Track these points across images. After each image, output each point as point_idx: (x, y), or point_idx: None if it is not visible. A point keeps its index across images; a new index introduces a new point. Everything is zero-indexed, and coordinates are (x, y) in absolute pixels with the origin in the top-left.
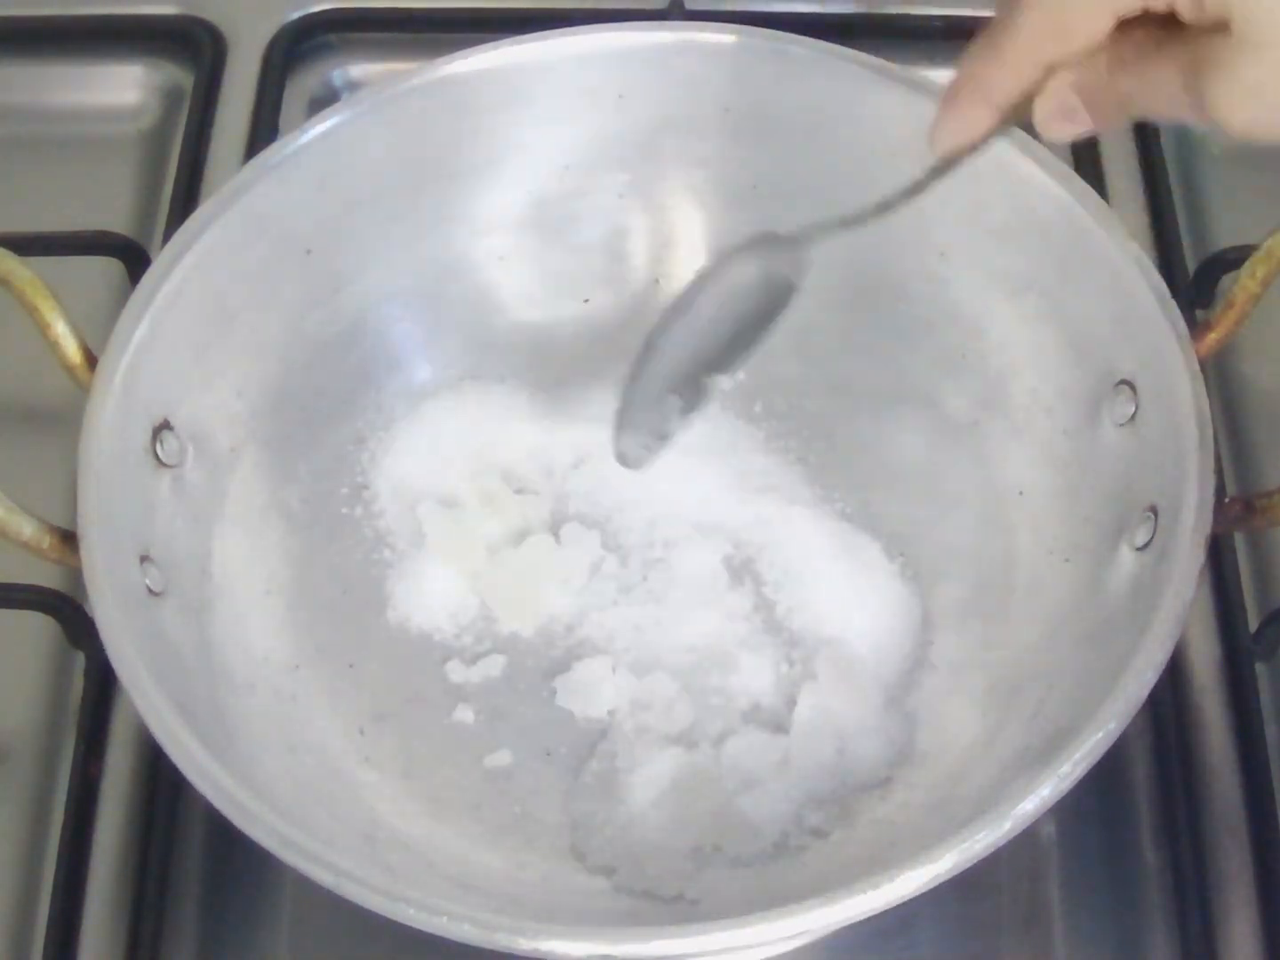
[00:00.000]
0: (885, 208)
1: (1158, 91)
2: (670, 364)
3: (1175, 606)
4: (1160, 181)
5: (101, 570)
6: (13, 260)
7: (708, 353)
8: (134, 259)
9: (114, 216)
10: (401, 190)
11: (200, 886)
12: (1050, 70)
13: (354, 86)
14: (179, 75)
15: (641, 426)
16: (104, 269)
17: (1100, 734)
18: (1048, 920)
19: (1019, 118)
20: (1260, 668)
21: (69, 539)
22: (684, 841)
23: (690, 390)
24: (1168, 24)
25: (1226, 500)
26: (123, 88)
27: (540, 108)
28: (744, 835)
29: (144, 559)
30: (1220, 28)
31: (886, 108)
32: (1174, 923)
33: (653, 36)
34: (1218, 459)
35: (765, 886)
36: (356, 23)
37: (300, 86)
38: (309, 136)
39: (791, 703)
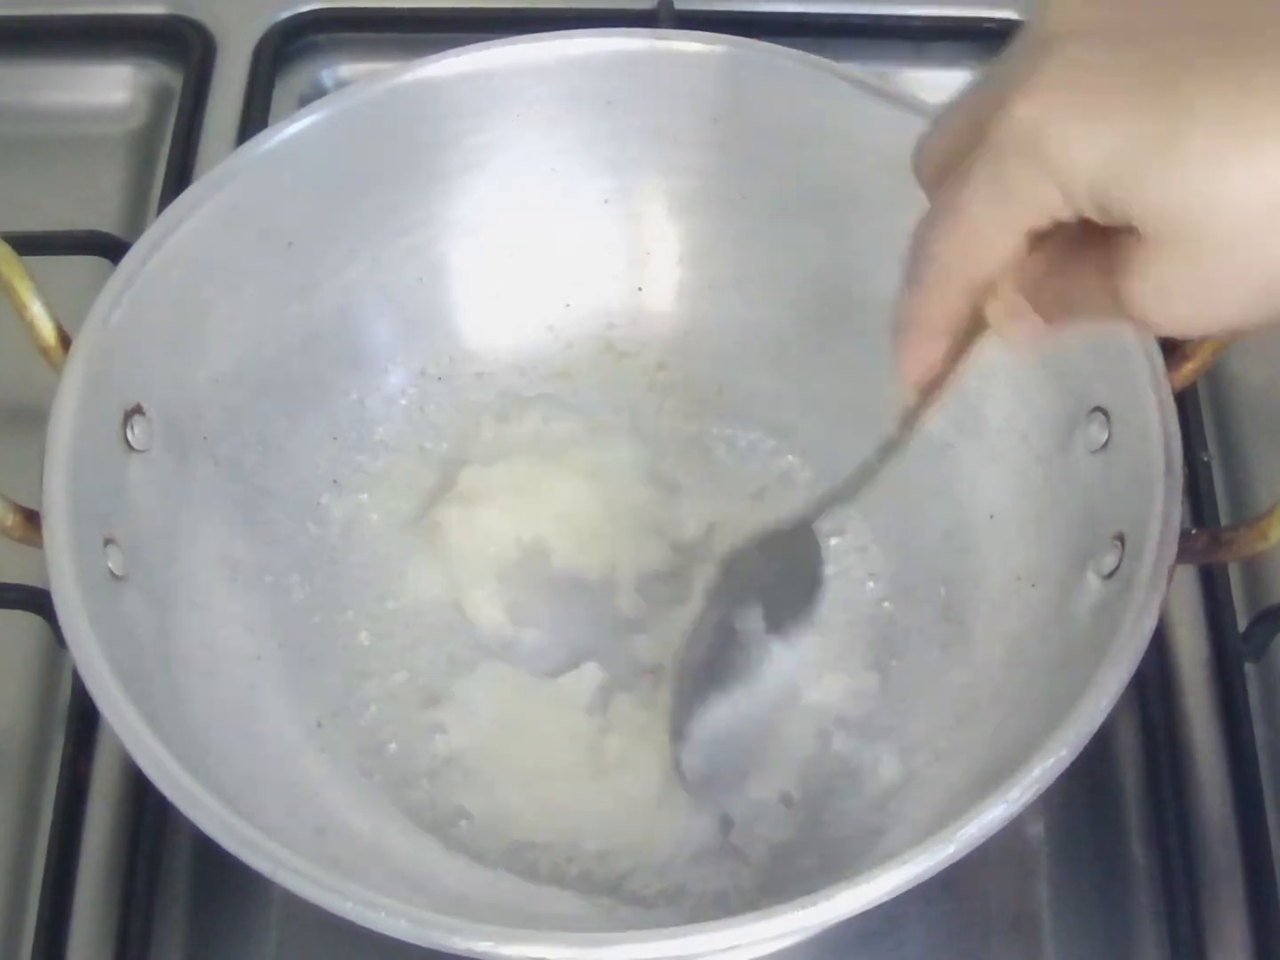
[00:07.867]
0: (884, 458)
1: (1086, 293)
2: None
3: (1135, 636)
4: None
5: (62, 549)
6: None
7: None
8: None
9: (103, 216)
10: (385, 188)
11: (189, 887)
12: (981, 289)
13: (343, 86)
14: (168, 75)
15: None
16: (92, 268)
17: (1051, 760)
18: (1036, 920)
19: (978, 331)
20: (1249, 668)
21: (33, 518)
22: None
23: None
24: (1086, 227)
25: (1193, 532)
26: (112, 87)
27: (526, 110)
28: (690, 842)
29: (108, 541)
30: (1129, 229)
31: (875, 122)
32: (1163, 923)
33: (643, 44)
34: (1200, 475)
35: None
36: (345, 23)
37: (289, 86)
38: (293, 130)
39: (754, 716)
